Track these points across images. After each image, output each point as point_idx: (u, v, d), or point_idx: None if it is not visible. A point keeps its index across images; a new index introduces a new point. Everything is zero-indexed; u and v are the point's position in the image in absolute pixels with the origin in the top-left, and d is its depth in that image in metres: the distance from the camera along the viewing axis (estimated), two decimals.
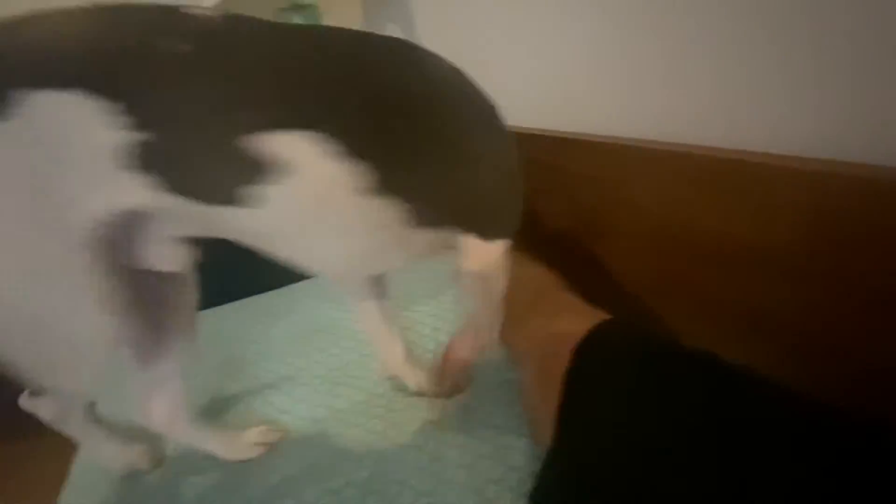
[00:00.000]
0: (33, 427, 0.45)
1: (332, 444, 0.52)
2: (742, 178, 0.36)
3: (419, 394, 0.54)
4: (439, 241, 0.42)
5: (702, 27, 0.41)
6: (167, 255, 0.41)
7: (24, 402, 0.46)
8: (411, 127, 0.35)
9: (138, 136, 0.31)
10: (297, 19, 1.10)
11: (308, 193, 0.34)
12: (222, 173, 0.33)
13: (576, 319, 0.41)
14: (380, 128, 0.34)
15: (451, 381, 0.50)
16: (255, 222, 0.36)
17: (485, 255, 0.42)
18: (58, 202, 0.32)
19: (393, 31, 1.16)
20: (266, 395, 0.62)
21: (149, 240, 0.39)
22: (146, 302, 0.44)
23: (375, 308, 0.55)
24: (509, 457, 0.45)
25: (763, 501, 0.23)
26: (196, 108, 0.32)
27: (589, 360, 0.35)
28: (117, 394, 0.51)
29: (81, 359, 0.39)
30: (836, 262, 0.31)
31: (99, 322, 0.37)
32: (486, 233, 0.41)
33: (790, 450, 0.24)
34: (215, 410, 0.62)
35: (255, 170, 0.32)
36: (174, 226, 0.39)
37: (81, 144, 0.31)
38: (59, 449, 0.61)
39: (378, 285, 0.55)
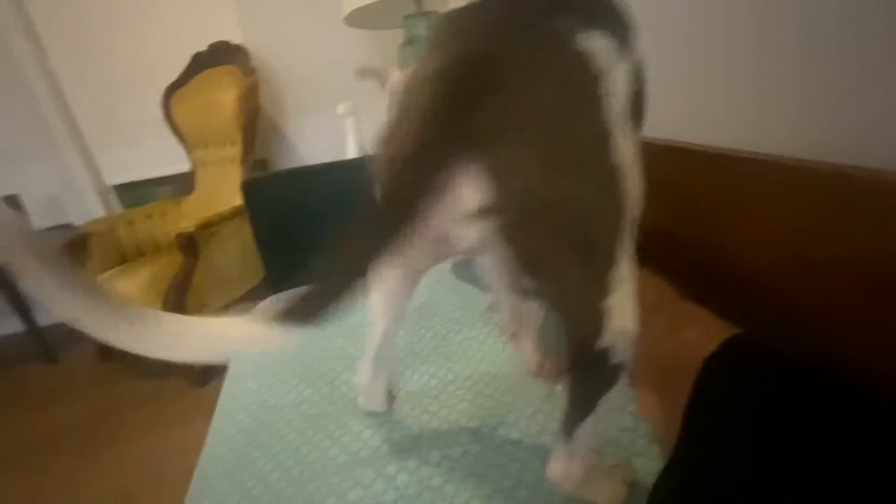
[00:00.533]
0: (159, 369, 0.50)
1: (446, 414, 0.57)
2: (879, 198, 0.36)
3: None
4: None
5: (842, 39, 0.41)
6: None
7: None
8: None
9: None
10: (420, 28, 1.12)
11: None
12: None
13: (703, 329, 0.43)
14: None
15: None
16: None
17: None
18: None
19: None
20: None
21: None
22: None
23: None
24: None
25: None
26: None
27: (721, 371, 0.36)
28: None
29: None
30: None
31: None
32: None
33: None
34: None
35: None
36: None
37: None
38: (180, 391, 0.70)
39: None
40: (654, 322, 0.52)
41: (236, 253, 1.63)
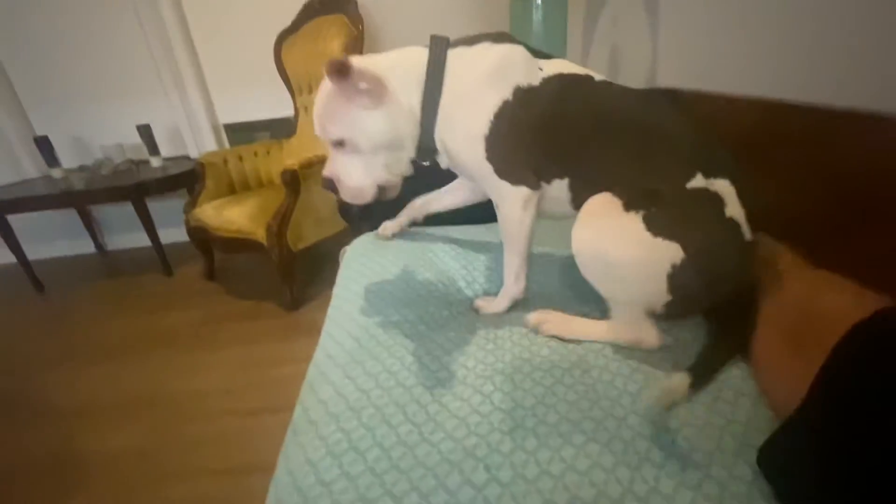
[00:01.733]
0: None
1: (538, 350, 0.61)
2: None
3: None
4: None
5: None
6: None
7: None
8: None
9: None
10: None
11: None
12: None
13: (851, 297, 0.43)
14: None
15: None
16: None
17: None
18: None
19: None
20: None
21: None
22: None
23: None
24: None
25: None
26: None
27: (869, 340, 0.36)
28: None
29: None
30: None
31: None
32: None
33: None
34: None
35: None
36: None
37: None
38: (274, 312, 0.84)
39: None
40: (791, 285, 0.52)
41: (331, 195, 1.74)
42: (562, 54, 1.38)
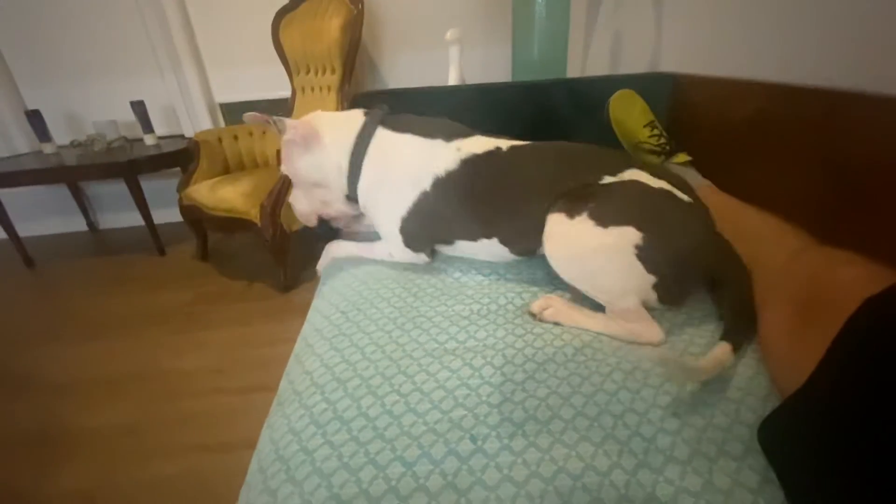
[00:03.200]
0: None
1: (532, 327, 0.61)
2: None
3: None
4: None
5: None
6: None
7: None
8: None
9: None
10: None
11: None
12: None
13: (864, 272, 0.42)
14: None
15: None
16: None
17: None
18: None
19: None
20: None
21: None
22: None
23: None
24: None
25: None
26: None
27: (883, 314, 0.34)
28: None
29: None
30: None
31: None
32: None
33: None
34: None
35: None
36: None
37: None
38: (265, 293, 0.84)
39: None
40: (808, 259, 0.51)
41: None
42: (564, 38, 1.36)
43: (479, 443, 0.43)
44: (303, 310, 0.75)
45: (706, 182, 0.82)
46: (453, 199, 0.70)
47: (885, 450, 0.28)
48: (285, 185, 1.55)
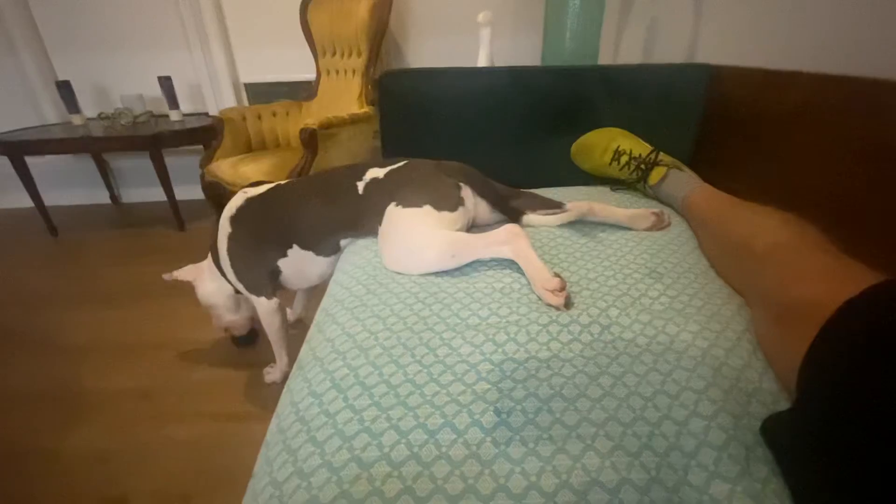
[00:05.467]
0: None
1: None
2: None
3: None
4: None
5: None
6: None
7: None
8: None
9: None
10: None
11: None
12: None
13: (819, 289, 0.40)
14: None
15: None
16: None
17: None
18: None
19: None
20: None
21: None
22: None
23: None
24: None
25: None
26: None
27: (859, 314, 0.33)
28: None
29: None
30: None
31: None
32: None
33: None
34: None
35: None
36: None
37: None
38: None
39: None
40: (780, 258, 0.50)
41: (349, 158, 1.72)
42: (598, 26, 1.33)
43: (504, 416, 0.41)
44: (322, 289, 0.74)
45: (699, 183, 0.81)
46: (251, 233, 0.92)
47: (887, 452, 0.27)
48: (307, 164, 1.56)
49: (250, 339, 1.17)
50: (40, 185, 2.11)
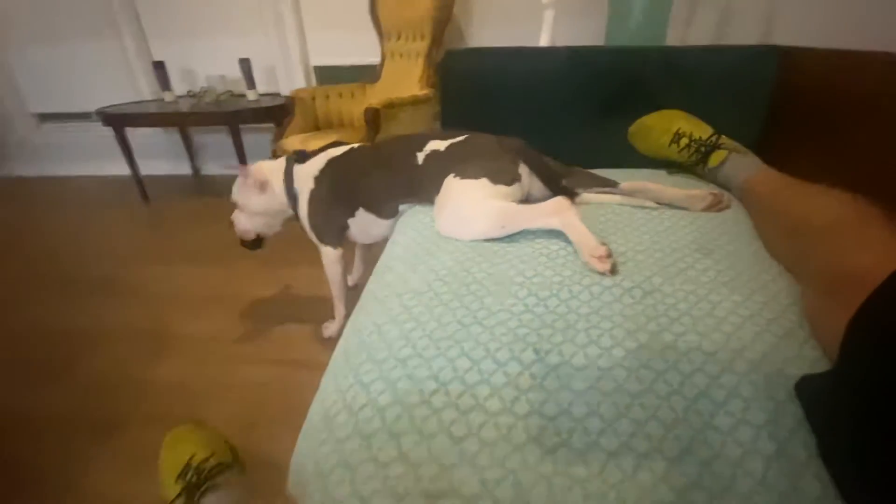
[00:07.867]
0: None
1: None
2: None
3: None
4: None
5: None
6: None
7: None
8: None
9: None
10: None
11: None
12: None
13: (877, 259, 0.41)
14: None
15: None
16: None
17: None
18: None
19: None
20: None
21: None
22: None
23: None
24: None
25: None
26: None
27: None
28: None
29: None
30: None
31: None
32: None
33: None
34: None
35: None
36: None
37: None
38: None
39: None
40: (839, 233, 0.49)
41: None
42: (667, 7, 1.29)
43: (542, 355, 0.45)
44: (375, 257, 0.80)
45: (761, 166, 0.79)
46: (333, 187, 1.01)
47: None
48: (370, 141, 1.64)
49: (257, 244, 1.22)
50: (136, 155, 2.37)
